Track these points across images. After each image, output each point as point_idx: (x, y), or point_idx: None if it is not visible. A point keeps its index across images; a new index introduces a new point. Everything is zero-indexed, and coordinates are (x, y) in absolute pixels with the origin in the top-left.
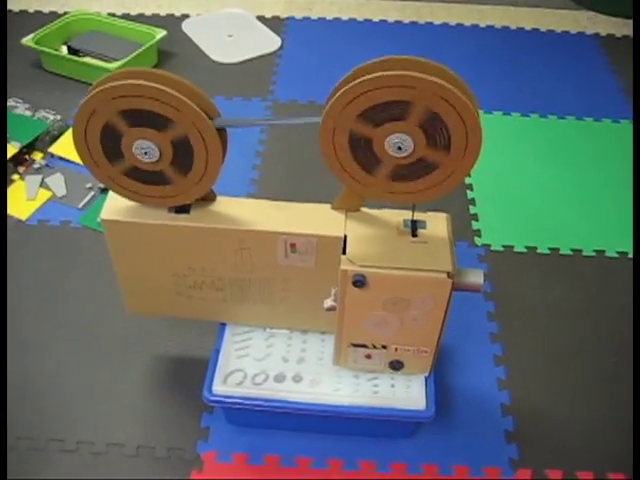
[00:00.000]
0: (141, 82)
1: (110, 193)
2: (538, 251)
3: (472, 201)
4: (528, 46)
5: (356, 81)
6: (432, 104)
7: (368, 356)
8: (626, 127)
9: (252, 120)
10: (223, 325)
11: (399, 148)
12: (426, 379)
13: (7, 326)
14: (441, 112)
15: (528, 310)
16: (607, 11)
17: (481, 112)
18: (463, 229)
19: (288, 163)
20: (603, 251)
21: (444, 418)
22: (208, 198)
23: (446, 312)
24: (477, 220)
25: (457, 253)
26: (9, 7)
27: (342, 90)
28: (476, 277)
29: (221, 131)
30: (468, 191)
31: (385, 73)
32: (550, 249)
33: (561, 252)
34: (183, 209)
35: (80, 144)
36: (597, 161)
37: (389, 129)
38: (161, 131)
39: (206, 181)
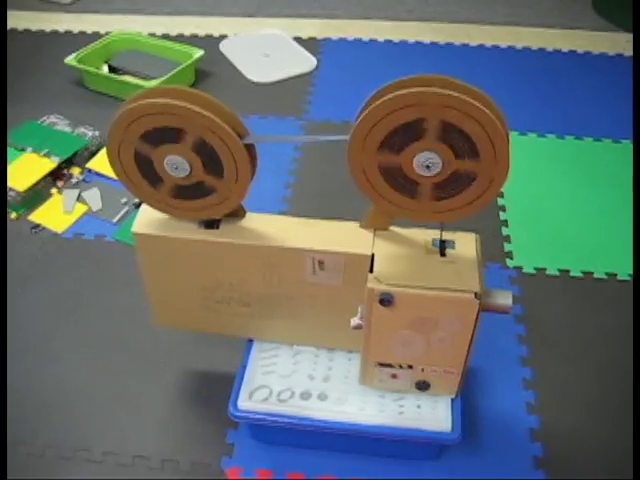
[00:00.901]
0: (175, 102)
1: (142, 206)
2: (571, 274)
3: (504, 222)
4: (564, 68)
5: (362, 115)
6: (442, 115)
7: (394, 376)
8: None
9: (280, 137)
10: (250, 341)
11: (427, 167)
12: (452, 401)
13: (38, 336)
14: (454, 121)
15: (559, 334)
16: None
17: (516, 133)
18: (495, 251)
19: (321, 182)
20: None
21: (471, 441)
22: (238, 214)
23: (473, 333)
24: (509, 242)
25: (487, 275)
26: (55, 28)
27: (354, 127)
28: (504, 298)
29: (250, 148)
30: (501, 212)
31: (385, 98)
32: (583, 272)
33: (595, 276)
34: (213, 224)
35: (122, 176)
36: (633, 184)
37: (412, 151)
38: (178, 143)
39: (236, 196)
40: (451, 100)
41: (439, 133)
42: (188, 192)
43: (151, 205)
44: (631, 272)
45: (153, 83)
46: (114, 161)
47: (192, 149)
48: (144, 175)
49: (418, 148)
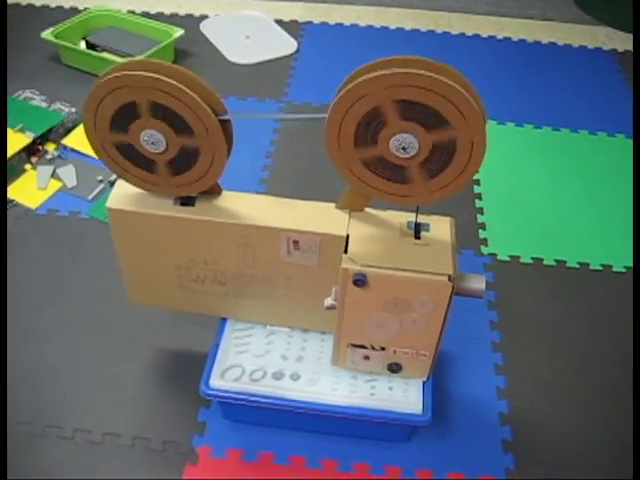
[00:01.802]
0: (151, 74)
1: (118, 182)
2: (544, 263)
3: (480, 210)
4: (544, 59)
5: (327, 118)
6: (392, 95)
7: (367, 357)
8: None
9: (256, 114)
10: (224, 320)
11: (404, 149)
12: (424, 383)
13: (10, 314)
14: (407, 97)
15: (531, 321)
16: (626, 28)
17: (494, 123)
18: (470, 237)
19: (298, 164)
20: (610, 266)
21: (441, 424)
22: (214, 192)
23: (446, 316)
24: (484, 229)
25: (463, 261)
26: (30, 1)
27: (325, 132)
28: (478, 282)
29: (227, 126)
30: (477, 200)
31: (339, 96)
32: (556, 261)
33: (568, 265)
34: (188, 201)
35: (122, 175)
36: (609, 176)
37: (384, 138)
38: (178, 134)
39: (211, 175)
40: (394, 78)
41: (399, 113)
42: (181, 164)
43: (152, 191)
44: (603, 262)
45: None
46: (111, 165)
47: (153, 117)
48: (138, 165)
49: (388, 133)
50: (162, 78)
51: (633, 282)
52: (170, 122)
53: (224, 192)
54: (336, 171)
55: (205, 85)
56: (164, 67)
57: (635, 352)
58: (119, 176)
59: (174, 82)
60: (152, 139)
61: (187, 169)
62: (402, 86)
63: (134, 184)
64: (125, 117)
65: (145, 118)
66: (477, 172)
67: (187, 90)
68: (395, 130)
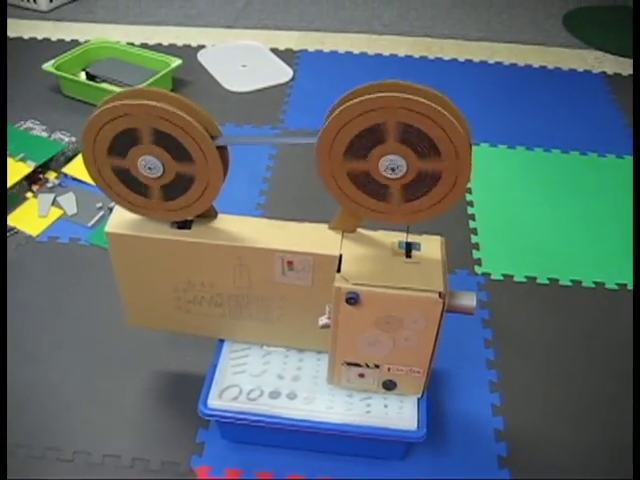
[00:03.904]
0: (148, 102)
1: (115, 208)
2: (538, 281)
3: (474, 231)
4: (535, 83)
5: (325, 125)
6: (400, 117)
7: (361, 375)
8: (629, 163)
9: (251, 139)
10: (221, 341)
11: (393, 170)
12: (419, 400)
13: (11, 337)
14: (412, 122)
15: (525, 338)
16: (614, 51)
17: (486, 145)
18: (464, 258)
19: (294, 189)
20: (603, 283)
21: (437, 441)
22: (210, 215)
23: (438, 332)
24: (478, 249)
25: (457, 281)
26: (33, 35)
27: (319, 138)
28: (468, 299)
29: (223, 151)
30: (470, 221)
31: (348, 104)
32: (550, 279)
33: (561, 283)
34: (185, 225)
35: (114, 198)
36: (599, 195)
37: (376, 155)
38: (176, 160)
39: (206, 198)
40: (407, 102)
41: (399, 135)
42: (175, 190)
43: (143, 214)
44: (596, 280)
45: None
46: (104, 187)
47: (153, 144)
48: (132, 189)
49: (381, 152)
50: (165, 107)
51: (633, 298)
52: (170, 149)
53: (220, 215)
54: (326, 188)
55: (201, 111)
56: (162, 95)
57: (635, 366)
58: (113, 200)
59: (176, 110)
60: (150, 164)
61: (181, 194)
62: (412, 111)
63: (128, 209)
64: (125, 142)
65: (146, 144)
66: (452, 206)
67: (186, 116)
68: (390, 150)
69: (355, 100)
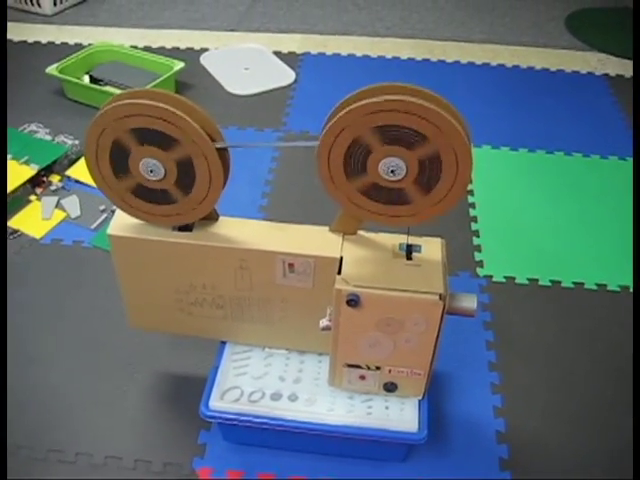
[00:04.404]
0: (151, 102)
1: (117, 211)
2: (540, 283)
3: (476, 233)
4: (537, 85)
5: (317, 157)
6: (444, 150)
7: (362, 377)
8: (631, 164)
9: (252, 143)
10: (223, 343)
11: (393, 172)
12: (420, 402)
13: (15, 339)
14: (445, 160)
15: (527, 340)
16: (617, 53)
17: (489, 147)
18: (466, 260)
19: (296, 191)
20: (605, 285)
21: (438, 443)
22: (211, 218)
23: (438, 334)
24: (480, 251)
25: (458, 283)
26: (37, 39)
27: (372, 100)
28: (469, 301)
29: (224, 154)
30: (472, 223)
31: (324, 132)
32: (552, 281)
33: (563, 285)
34: (186, 227)
35: (91, 160)
36: (602, 197)
37: (373, 166)
38: (167, 151)
39: (208, 201)
40: (365, 108)
41: (380, 138)
42: (148, 194)
43: (125, 210)
44: (598, 282)
45: None
46: (91, 142)
47: (176, 162)
48: (113, 162)
49: (375, 160)
50: (143, 102)
51: (633, 300)
52: (158, 143)
53: (221, 218)
54: (346, 211)
55: (202, 113)
56: (162, 95)
57: (635, 369)
58: (137, 217)
59: (193, 122)
60: (154, 169)
61: (193, 183)
62: (376, 112)
63: (161, 223)
64: (120, 157)
65: (170, 156)
66: (469, 181)
67: (182, 114)
68: (380, 155)
69: (328, 125)
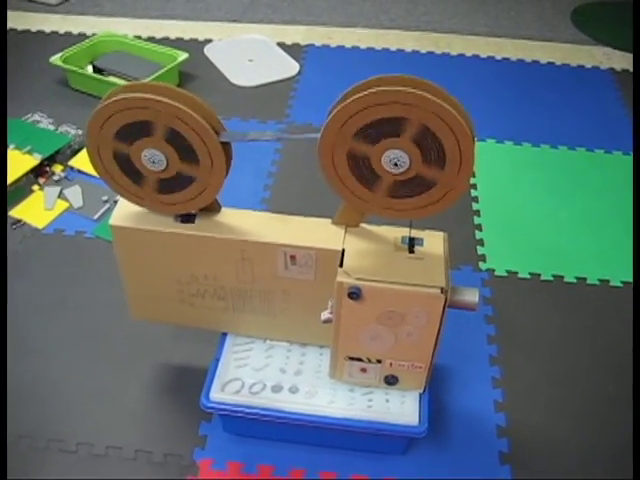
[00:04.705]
0: (152, 96)
1: (120, 201)
2: (542, 278)
3: (479, 227)
4: (542, 78)
5: (349, 100)
6: (426, 120)
7: (363, 370)
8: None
9: (254, 135)
10: (224, 335)
11: (395, 164)
12: (420, 395)
13: (16, 329)
14: (434, 128)
15: (529, 335)
16: (623, 47)
17: (492, 141)
18: (468, 254)
19: (299, 183)
20: (608, 280)
21: (439, 437)
22: (213, 209)
23: (440, 328)
24: (482, 245)
25: (461, 276)
26: (41, 28)
27: (336, 109)
28: (470, 295)
29: (226, 146)
30: (475, 217)
31: (378, 89)
32: (554, 276)
33: (565, 280)
34: (189, 218)
35: (105, 177)
36: (606, 192)
37: (384, 146)
38: (150, 136)
39: (210, 190)
40: (439, 109)
41: (416, 135)
42: (170, 185)
43: (136, 203)
44: (600, 277)
45: None
46: (96, 163)
47: (164, 140)
48: (126, 173)
49: (391, 144)
50: (183, 108)
51: (633, 295)
52: (180, 149)
53: (223, 209)
54: (320, 161)
55: (205, 106)
56: (170, 91)
57: (635, 366)
58: (105, 181)
59: (193, 113)
60: (154, 158)
61: (177, 191)
62: (439, 118)
63: (163, 211)
64: (135, 131)
65: (157, 139)
66: (432, 214)
67: (201, 120)
68: (378, 155)
69: (392, 88)
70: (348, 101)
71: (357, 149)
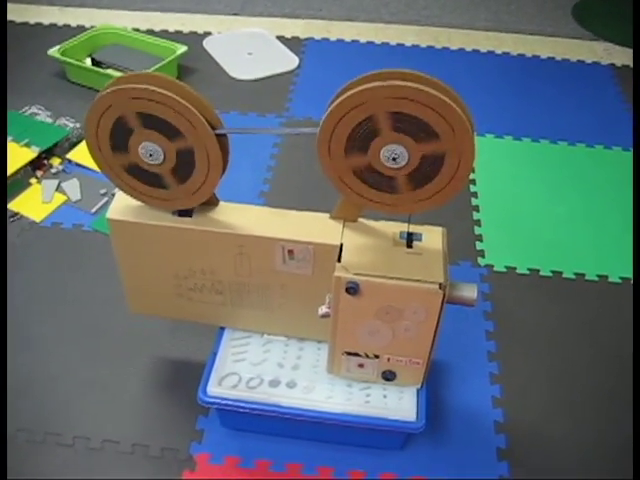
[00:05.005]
0: (160, 90)
1: (117, 194)
2: (541, 274)
3: (478, 222)
4: (543, 73)
5: (320, 127)
6: (388, 106)
7: (361, 365)
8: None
9: (251, 129)
10: (222, 329)
11: (394, 159)
12: (418, 391)
13: (13, 322)
14: (398, 109)
15: (527, 331)
16: (624, 42)
17: (492, 136)
18: (467, 249)
19: (298, 178)
20: (606, 276)
21: (436, 433)
22: (211, 203)
23: (438, 323)
24: (481, 241)
25: (459, 272)
26: (39, 20)
27: (317, 141)
28: (469, 291)
29: (223, 140)
30: (474, 212)
31: (337, 101)
32: (553, 272)
33: (564, 275)
34: (186, 212)
35: (90, 132)
36: (605, 188)
37: (376, 148)
38: (171, 140)
39: (206, 188)
40: (391, 90)
41: (392, 124)
42: (141, 174)
43: (135, 197)
44: (599, 273)
45: None
46: (96, 156)
47: (177, 152)
48: (112, 137)
49: (380, 143)
50: (150, 88)
51: (633, 292)
52: (162, 130)
53: (221, 203)
54: (334, 186)
55: (201, 99)
56: (160, 79)
57: (635, 363)
58: (135, 198)
59: (163, 91)
60: (151, 152)
61: (175, 185)
62: (398, 98)
63: (160, 207)
64: (121, 135)
65: (138, 131)
66: (462, 188)
67: (181, 99)
68: (387, 140)
69: (342, 97)
70: (321, 125)
71: (356, 163)
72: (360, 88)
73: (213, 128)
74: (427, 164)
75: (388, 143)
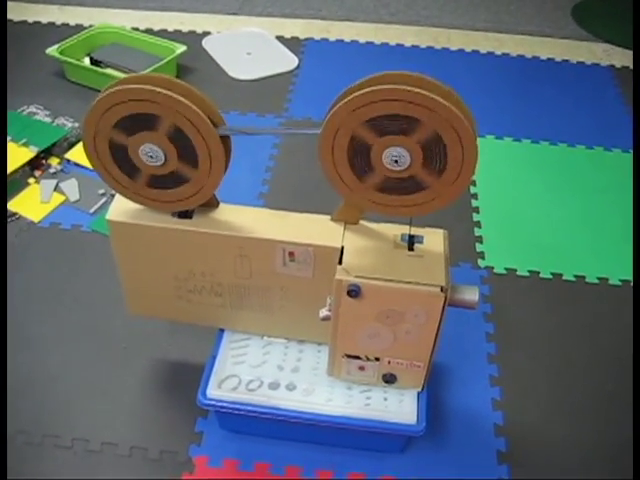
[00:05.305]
0: (161, 90)
1: (117, 195)
2: (541, 276)
3: (477, 224)
4: (542, 75)
5: (372, 88)
6: (441, 128)
7: (361, 368)
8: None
9: (253, 129)
10: (221, 331)
11: (395, 161)
12: (419, 394)
13: (11, 324)
14: (445, 137)
15: (527, 333)
16: (623, 44)
17: (492, 137)
18: (467, 251)
19: (297, 179)
20: (606, 279)
21: (436, 435)
22: (211, 204)
23: (439, 327)
24: (481, 243)
25: (459, 274)
26: (38, 19)
27: (355, 94)
28: (470, 294)
29: (225, 140)
30: (474, 214)
31: (399, 86)
32: (553, 274)
33: (564, 278)
34: (186, 214)
35: (98, 168)
36: (605, 189)
37: (391, 141)
38: (172, 141)
39: (209, 187)
40: (457, 122)
41: (426, 140)
42: (163, 182)
43: (126, 197)
44: (599, 275)
45: None
46: (90, 152)
47: (167, 137)
48: (120, 165)
49: (398, 141)
50: (190, 105)
51: (633, 294)
52: (180, 149)
53: (221, 205)
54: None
55: (205, 100)
56: (171, 83)
57: (635, 364)
58: (97, 171)
59: (198, 110)
60: (152, 153)
61: (170, 188)
62: (362, 106)
63: (161, 209)
64: (138, 123)
65: (159, 135)
66: (476, 157)
67: (183, 100)
68: (380, 148)
69: (322, 129)
70: (371, 89)
71: (362, 135)
72: (327, 118)
73: (216, 126)
74: (431, 149)
75: (383, 149)
